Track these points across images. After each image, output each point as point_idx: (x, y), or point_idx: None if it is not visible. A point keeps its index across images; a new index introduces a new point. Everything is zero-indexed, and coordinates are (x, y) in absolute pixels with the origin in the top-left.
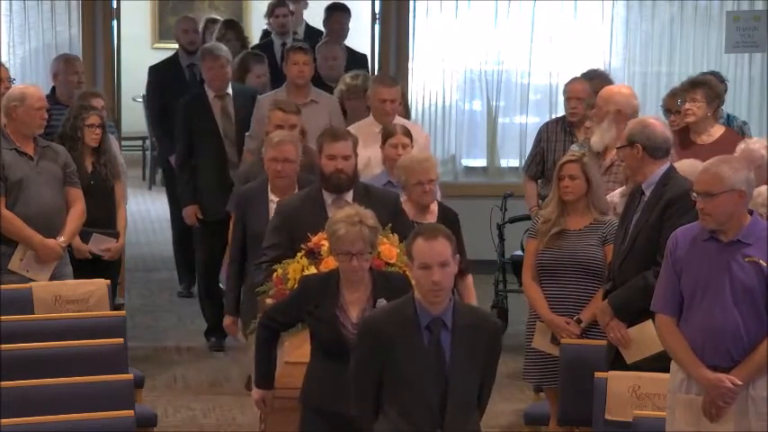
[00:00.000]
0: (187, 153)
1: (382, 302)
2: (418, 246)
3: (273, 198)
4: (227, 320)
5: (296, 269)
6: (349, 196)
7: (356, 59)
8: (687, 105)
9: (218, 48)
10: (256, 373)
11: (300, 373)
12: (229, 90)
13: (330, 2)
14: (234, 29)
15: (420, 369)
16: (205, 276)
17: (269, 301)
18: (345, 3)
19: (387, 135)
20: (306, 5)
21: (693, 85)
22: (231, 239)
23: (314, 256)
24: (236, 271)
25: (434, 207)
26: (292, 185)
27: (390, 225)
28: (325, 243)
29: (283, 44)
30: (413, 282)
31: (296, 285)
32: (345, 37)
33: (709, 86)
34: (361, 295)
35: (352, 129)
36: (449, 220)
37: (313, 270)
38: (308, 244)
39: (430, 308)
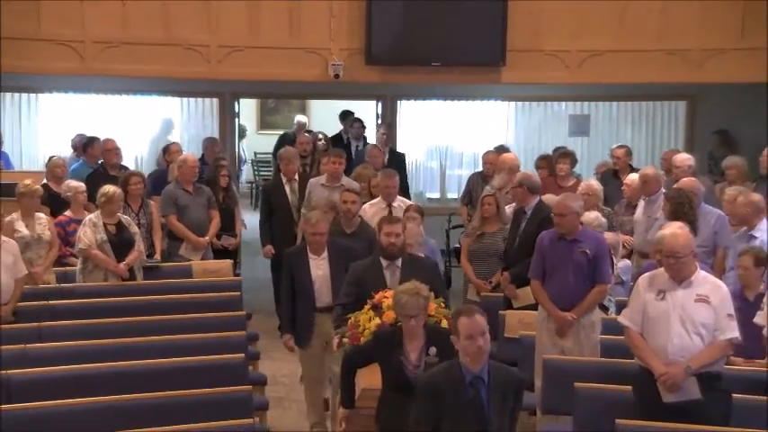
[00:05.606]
0: (268, 216)
1: (433, 349)
2: (462, 322)
3: (312, 256)
4: (286, 337)
5: (365, 318)
6: (399, 262)
7: (397, 156)
8: (561, 165)
9: (291, 155)
10: (342, 396)
11: (374, 396)
12: (296, 176)
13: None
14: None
15: (466, 416)
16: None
17: (345, 340)
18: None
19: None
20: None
21: (565, 155)
22: (283, 288)
23: (378, 309)
24: (289, 308)
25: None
26: (323, 247)
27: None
28: (386, 300)
29: (357, 146)
30: (459, 349)
31: (369, 333)
32: (390, 143)
33: (573, 156)
34: (418, 344)
35: (367, 206)
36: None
37: (377, 320)
38: (373, 300)
39: (472, 367)
